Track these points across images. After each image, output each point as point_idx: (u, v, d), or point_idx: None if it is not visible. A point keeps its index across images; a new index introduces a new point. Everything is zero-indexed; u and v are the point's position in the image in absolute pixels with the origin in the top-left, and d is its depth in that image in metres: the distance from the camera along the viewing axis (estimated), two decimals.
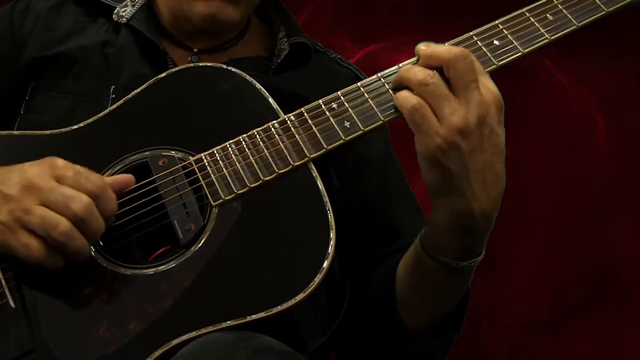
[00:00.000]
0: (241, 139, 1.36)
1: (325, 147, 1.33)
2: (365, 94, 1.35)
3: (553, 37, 1.38)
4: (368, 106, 1.34)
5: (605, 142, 2.93)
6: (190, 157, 1.36)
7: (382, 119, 1.34)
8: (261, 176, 1.32)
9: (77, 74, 1.60)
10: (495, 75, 1.31)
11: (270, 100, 1.41)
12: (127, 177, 1.33)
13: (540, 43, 1.38)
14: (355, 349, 1.58)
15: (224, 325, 1.21)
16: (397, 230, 1.59)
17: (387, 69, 1.37)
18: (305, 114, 1.36)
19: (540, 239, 2.92)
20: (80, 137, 1.43)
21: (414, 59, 1.34)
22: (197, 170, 1.34)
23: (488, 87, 1.26)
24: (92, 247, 1.27)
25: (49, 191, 1.22)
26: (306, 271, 1.24)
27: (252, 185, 1.32)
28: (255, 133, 1.36)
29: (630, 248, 2.89)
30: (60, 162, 1.27)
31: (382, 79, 1.36)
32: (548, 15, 1.39)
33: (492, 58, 1.35)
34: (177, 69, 1.50)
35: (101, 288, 1.26)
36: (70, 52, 1.61)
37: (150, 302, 1.24)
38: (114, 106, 1.46)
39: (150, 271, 1.27)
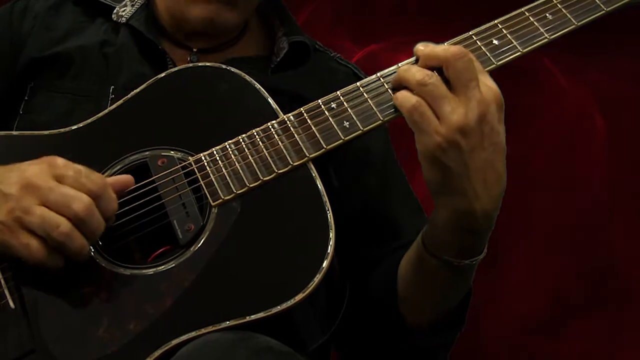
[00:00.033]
0: (240, 139, 1.36)
1: (325, 147, 1.33)
2: (365, 94, 1.35)
3: (552, 37, 1.38)
4: (367, 106, 1.34)
5: (604, 142, 2.93)
6: (189, 157, 1.36)
7: (382, 118, 1.34)
8: (260, 176, 1.32)
9: (76, 74, 1.60)
10: (494, 75, 1.31)
11: (270, 100, 1.41)
12: (127, 178, 1.33)
13: (540, 42, 1.38)
14: (357, 348, 1.58)
15: (223, 325, 1.21)
16: (397, 229, 1.59)
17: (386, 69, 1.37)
18: (305, 113, 1.36)
19: (540, 238, 2.93)
20: (79, 137, 1.43)
21: (413, 59, 1.34)
22: (196, 171, 1.34)
23: (488, 85, 1.26)
24: (91, 247, 1.27)
25: (49, 191, 1.22)
26: (305, 271, 1.24)
27: (251, 185, 1.32)
28: (255, 133, 1.36)
29: (630, 248, 2.89)
30: (60, 161, 1.27)
31: (381, 78, 1.36)
32: (547, 15, 1.39)
33: (491, 58, 1.35)
34: (176, 69, 1.50)
35: (101, 288, 1.26)
36: (69, 52, 1.61)
37: (149, 302, 1.24)
38: (113, 106, 1.46)
39: (150, 271, 1.27)
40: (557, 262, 2.92)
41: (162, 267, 1.27)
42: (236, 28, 1.67)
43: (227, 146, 1.35)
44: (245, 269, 1.27)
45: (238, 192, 1.32)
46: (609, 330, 2.90)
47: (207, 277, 1.26)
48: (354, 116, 1.34)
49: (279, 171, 1.32)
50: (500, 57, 1.36)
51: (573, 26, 1.39)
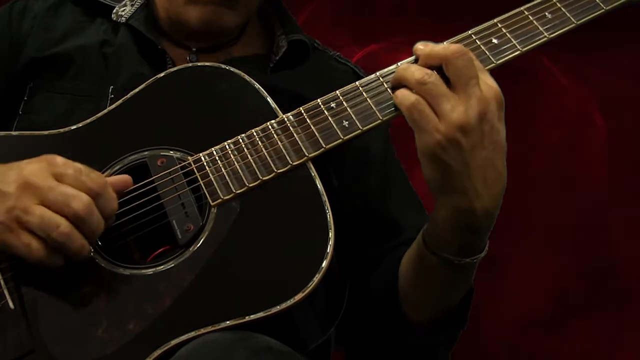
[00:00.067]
0: (240, 139, 1.35)
1: (324, 146, 1.33)
2: (364, 93, 1.35)
3: (552, 36, 1.38)
4: (366, 105, 1.34)
5: (604, 141, 2.93)
6: (188, 157, 1.36)
7: (381, 118, 1.33)
8: (260, 176, 1.32)
9: (76, 74, 1.60)
10: (494, 74, 1.31)
11: (269, 99, 1.40)
12: (126, 177, 1.33)
13: (539, 41, 1.38)
14: (359, 346, 1.58)
15: (222, 325, 1.20)
16: (397, 228, 1.59)
17: None
18: (304, 113, 1.36)
19: (540, 238, 2.93)
20: (78, 137, 1.43)
21: (412, 58, 1.34)
22: (195, 170, 1.34)
23: (488, 83, 1.26)
24: (91, 247, 1.27)
25: (48, 190, 1.22)
26: (305, 271, 1.24)
27: (250, 185, 1.32)
28: (254, 133, 1.35)
29: (630, 248, 2.89)
30: (59, 159, 1.26)
31: (380, 78, 1.36)
32: (547, 14, 1.39)
33: (490, 57, 1.35)
34: (175, 68, 1.50)
35: (100, 288, 1.26)
36: (69, 52, 1.61)
37: (149, 302, 1.24)
38: (113, 106, 1.46)
39: (149, 271, 1.27)
40: (557, 262, 2.92)
41: (162, 267, 1.27)
42: (236, 28, 1.66)
43: (227, 146, 1.35)
44: (244, 269, 1.27)
45: (237, 192, 1.32)
46: (609, 330, 2.90)
47: (206, 277, 1.26)
48: (353, 115, 1.34)
49: (279, 171, 1.32)
50: (500, 56, 1.36)
51: (572, 25, 1.39)
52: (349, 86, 1.36)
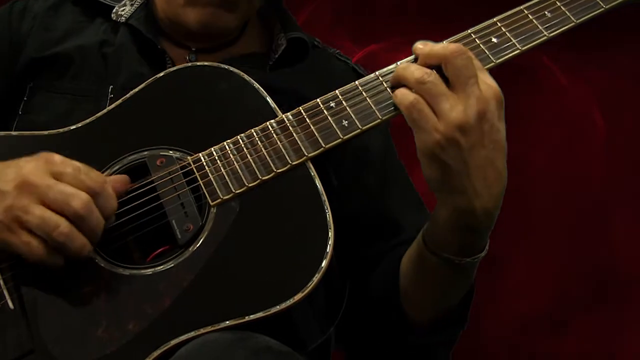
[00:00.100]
0: (239, 139, 1.35)
1: (324, 146, 1.33)
2: (364, 93, 1.35)
3: (551, 35, 1.38)
4: (366, 105, 1.34)
5: (604, 141, 2.93)
6: (188, 157, 1.36)
7: (380, 117, 1.33)
8: (259, 176, 1.32)
9: (75, 74, 1.60)
10: (493, 73, 1.31)
11: (269, 99, 1.40)
12: (124, 178, 1.33)
13: (539, 40, 1.37)
14: (359, 345, 1.58)
15: (222, 325, 1.20)
16: (397, 227, 1.59)
17: None
18: (304, 113, 1.36)
19: (540, 238, 2.92)
20: (78, 137, 1.43)
21: (411, 57, 1.34)
22: (195, 170, 1.34)
23: (487, 83, 1.26)
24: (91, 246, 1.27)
25: (47, 188, 1.22)
26: (305, 271, 1.24)
27: (250, 185, 1.32)
28: (253, 132, 1.35)
29: (630, 247, 2.89)
30: (57, 157, 1.26)
31: (380, 77, 1.36)
32: (546, 13, 1.39)
33: (490, 56, 1.35)
34: (175, 68, 1.50)
35: (100, 288, 1.26)
36: (68, 52, 1.61)
37: (148, 303, 1.24)
38: (112, 106, 1.46)
39: (149, 271, 1.27)
40: (557, 262, 2.92)
41: (161, 267, 1.27)
42: (235, 29, 1.66)
43: (226, 146, 1.35)
44: (244, 269, 1.27)
45: (237, 191, 1.31)
46: (609, 330, 2.90)
47: (205, 277, 1.26)
48: (352, 115, 1.34)
49: (278, 170, 1.32)
50: (499, 55, 1.36)
51: (572, 24, 1.39)
52: (348, 86, 1.36)
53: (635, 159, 2.91)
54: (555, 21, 1.38)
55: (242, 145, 1.35)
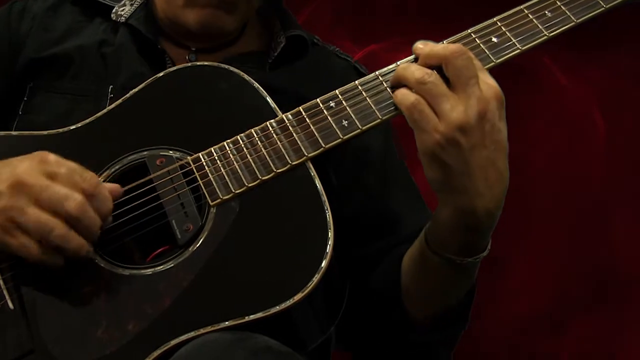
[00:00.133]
0: (239, 139, 1.35)
1: (324, 146, 1.33)
2: (364, 93, 1.35)
3: (551, 34, 1.38)
4: (366, 104, 1.34)
5: (604, 141, 2.93)
6: (188, 157, 1.36)
7: (380, 117, 1.33)
8: (259, 176, 1.32)
9: (75, 74, 1.60)
10: (493, 73, 1.31)
11: (268, 99, 1.40)
12: (116, 187, 1.31)
13: (539, 40, 1.37)
14: (360, 344, 1.58)
15: (222, 325, 1.20)
16: (397, 227, 1.59)
17: None
18: (303, 112, 1.35)
19: (540, 238, 2.92)
20: (78, 137, 1.43)
21: (412, 57, 1.34)
22: (194, 170, 1.34)
23: (488, 83, 1.26)
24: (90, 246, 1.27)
25: (41, 189, 1.21)
26: (304, 271, 1.24)
27: (250, 185, 1.32)
28: (253, 132, 1.35)
29: (630, 247, 2.89)
30: (51, 157, 1.26)
31: (380, 77, 1.35)
32: (546, 12, 1.39)
33: (490, 55, 1.35)
34: (174, 68, 1.50)
35: (99, 289, 1.26)
36: (68, 52, 1.61)
37: (148, 303, 1.24)
38: (112, 106, 1.46)
39: (149, 271, 1.27)
40: (557, 262, 2.92)
41: (161, 267, 1.27)
42: (235, 30, 1.66)
43: (226, 145, 1.35)
44: (243, 269, 1.27)
45: (237, 191, 1.31)
46: (609, 330, 2.90)
47: (205, 277, 1.25)
48: (352, 115, 1.34)
49: (278, 170, 1.32)
50: (500, 55, 1.36)
51: (572, 23, 1.39)
52: (348, 85, 1.36)
53: (635, 159, 2.91)
54: (555, 21, 1.38)
55: (242, 145, 1.35)
